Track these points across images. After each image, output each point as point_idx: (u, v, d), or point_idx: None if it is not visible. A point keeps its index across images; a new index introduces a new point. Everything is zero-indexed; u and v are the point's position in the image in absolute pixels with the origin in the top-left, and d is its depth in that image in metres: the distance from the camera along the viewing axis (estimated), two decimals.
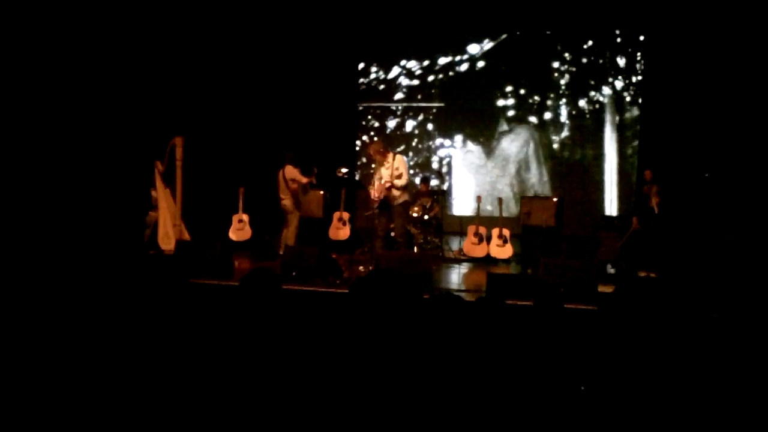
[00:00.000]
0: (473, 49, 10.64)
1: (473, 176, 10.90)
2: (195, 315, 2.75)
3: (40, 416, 2.11)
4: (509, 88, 10.56)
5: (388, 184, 7.39)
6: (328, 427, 1.88)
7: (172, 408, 2.10)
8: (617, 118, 10.19)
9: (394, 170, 7.33)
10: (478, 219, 8.77)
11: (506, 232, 8.66)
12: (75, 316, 2.87)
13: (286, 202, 8.16)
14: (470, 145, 10.87)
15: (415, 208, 8.67)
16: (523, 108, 10.56)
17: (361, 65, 11.08)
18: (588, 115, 10.31)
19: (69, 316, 2.91)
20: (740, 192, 8.26)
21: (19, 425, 2.08)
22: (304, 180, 8.10)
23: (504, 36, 10.48)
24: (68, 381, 2.25)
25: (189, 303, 2.91)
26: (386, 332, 2.01)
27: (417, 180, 10.23)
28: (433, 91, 10.87)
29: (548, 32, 10.17)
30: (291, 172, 8.10)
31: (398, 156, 7.47)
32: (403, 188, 7.40)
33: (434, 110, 10.96)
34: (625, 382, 1.89)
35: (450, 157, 10.97)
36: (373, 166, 7.79)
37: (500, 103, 10.61)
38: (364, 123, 11.17)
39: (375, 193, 7.47)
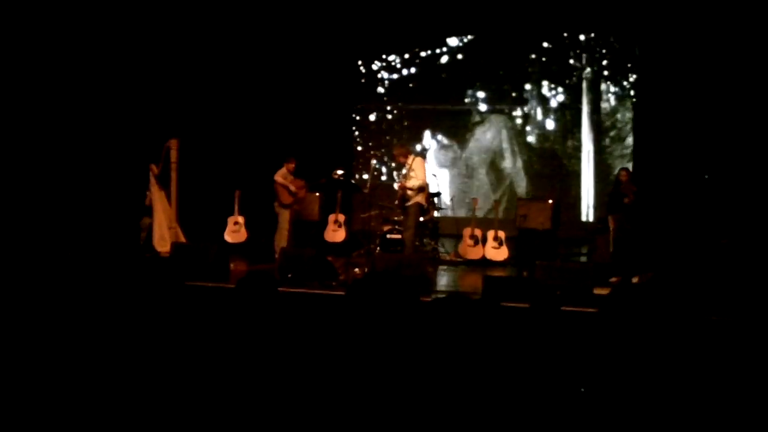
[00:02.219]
0: (453, 42, 10.62)
1: (448, 171, 10.84)
2: (191, 318, 2.74)
3: (37, 419, 2.10)
4: (486, 82, 10.53)
5: (400, 186, 7.56)
6: (326, 430, 1.88)
7: (167, 411, 2.09)
8: (596, 110, 10.13)
9: (409, 172, 7.43)
10: (473, 221, 8.78)
11: (502, 235, 8.66)
12: (70, 320, 2.85)
13: (276, 202, 8.25)
14: (444, 140, 10.81)
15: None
16: (501, 101, 10.50)
17: (351, 62, 11.06)
18: (565, 108, 10.25)
19: (64, 319, 2.89)
20: (735, 194, 8.27)
21: (16, 428, 2.08)
22: (292, 187, 8.16)
23: (479, 35, 10.47)
24: (63, 384, 2.24)
25: (184, 306, 2.90)
26: (383, 334, 2.01)
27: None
28: (410, 85, 10.82)
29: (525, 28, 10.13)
30: (278, 173, 8.25)
31: (417, 158, 7.59)
32: (419, 190, 7.46)
33: (416, 109, 10.90)
34: (624, 386, 1.89)
35: (426, 152, 10.94)
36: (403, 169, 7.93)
37: (479, 96, 10.57)
38: (358, 126, 11.14)
39: (397, 198, 7.73)
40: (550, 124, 10.33)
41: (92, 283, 3.60)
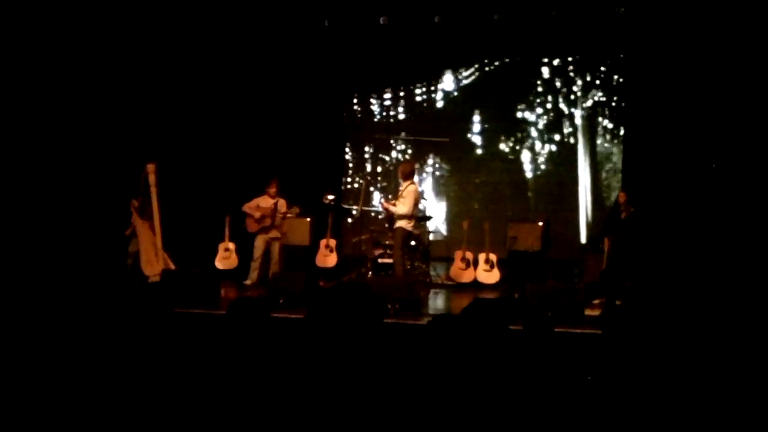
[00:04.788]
0: (448, 79, 10.60)
1: (445, 204, 10.75)
2: (181, 345, 2.71)
3: None
4: (483, 116, 10.48)
5: (385, 203, 7.66)
6: None
7: None
8: (592, 143, 10.15)
9: (400, 196, 7.45)
10: (465, 244, 8.79)
11: (493, 257, 8.68)
12: (58, 349, 2.82)
13: None
14: (444, 170, 10.78)
15: None
16: (498, 135, 10.44)
17: (345, 95, 11.04)
18: (563, 140, 10.26)
19: (52, 347, 2.86)
20: (723, 212, 8.34)
21: None
22: (256, 214, 8.21)
23: (476, 68, 10.49)
24: (53, 411, 2.20)
25: (174, 333, 2.87)
26: (348, 355, 1.98)
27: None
28: (405, 117, 10.84)
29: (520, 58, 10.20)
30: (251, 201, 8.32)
31: (411, 187, 7.54)
32: (404, 216, 7.46)
33: (416, 140, 10.88)
34: (624, 407, 1.89)
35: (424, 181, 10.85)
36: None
37: (475, 130, 10.52)
38: (349, 152, 11.13)
39: (383, 203, 7.85)
40: (546, 158, 10.29)
41: (80, 311, 3.56)
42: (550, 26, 9.65)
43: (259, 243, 8.23)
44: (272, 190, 8.23)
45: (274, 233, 8.24)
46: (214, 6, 9.30)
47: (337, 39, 10.20)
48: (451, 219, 10.59)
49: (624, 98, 9.89)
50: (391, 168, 10.81)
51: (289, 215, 8.35)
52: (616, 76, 9.99)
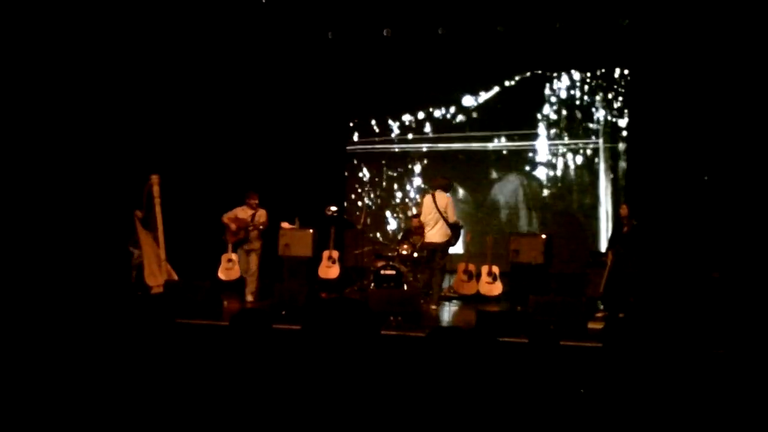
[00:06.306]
0: (467, 100, 10.53)
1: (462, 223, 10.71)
2: (183, 356, 2.71)
3: None
4: (500, 136, 10.42)
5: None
6: None
7: None
8: (610, 164, 10.08)
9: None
10: (467, 256, 8.79)
11: (495, 270, 8.67)
12: (60, 359, 2.82)
13: None
14: (459, 191, 10.72)
15: (405, 246, 8.68)
16: (514, 155, 10.39)
17: (352, 113, 10.99)
18: (581, 162, 10.19)
19: (54, 358, 2.86)
20: (727, 226, 8.33)
21: None
22: (232, 226, 8.21)
23: (496, 88, 10.41)
24: (55, 421, 2.20)
25: (177, 344, 2.87)
26: (343, 369, 1.98)
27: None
28: (426, 131, 10.77)
29: (540, 72, 10.17)
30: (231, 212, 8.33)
31: (427, 196, 8.06)
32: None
33: (423, 155, 10.85)
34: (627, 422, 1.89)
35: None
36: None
37: (491, 150, 10.47)
38: (354, 162, 11.14)
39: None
40: (566, 182, 10.17)
41: (84, 321, 3.56)
42: (559, 42, 9.66)
43: (241, 256, 8.27)
44: (253, 202, 8.23)
45: (248, 245, 8.26)
46: (218, 19, 9.37)
47: (345, 53, 10.24)
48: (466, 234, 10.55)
49: (627, 110, 9.92)
50: (394, 183, 10.86)
51: (290, 227, 8.35)
52: (628, 88, 9.96)
